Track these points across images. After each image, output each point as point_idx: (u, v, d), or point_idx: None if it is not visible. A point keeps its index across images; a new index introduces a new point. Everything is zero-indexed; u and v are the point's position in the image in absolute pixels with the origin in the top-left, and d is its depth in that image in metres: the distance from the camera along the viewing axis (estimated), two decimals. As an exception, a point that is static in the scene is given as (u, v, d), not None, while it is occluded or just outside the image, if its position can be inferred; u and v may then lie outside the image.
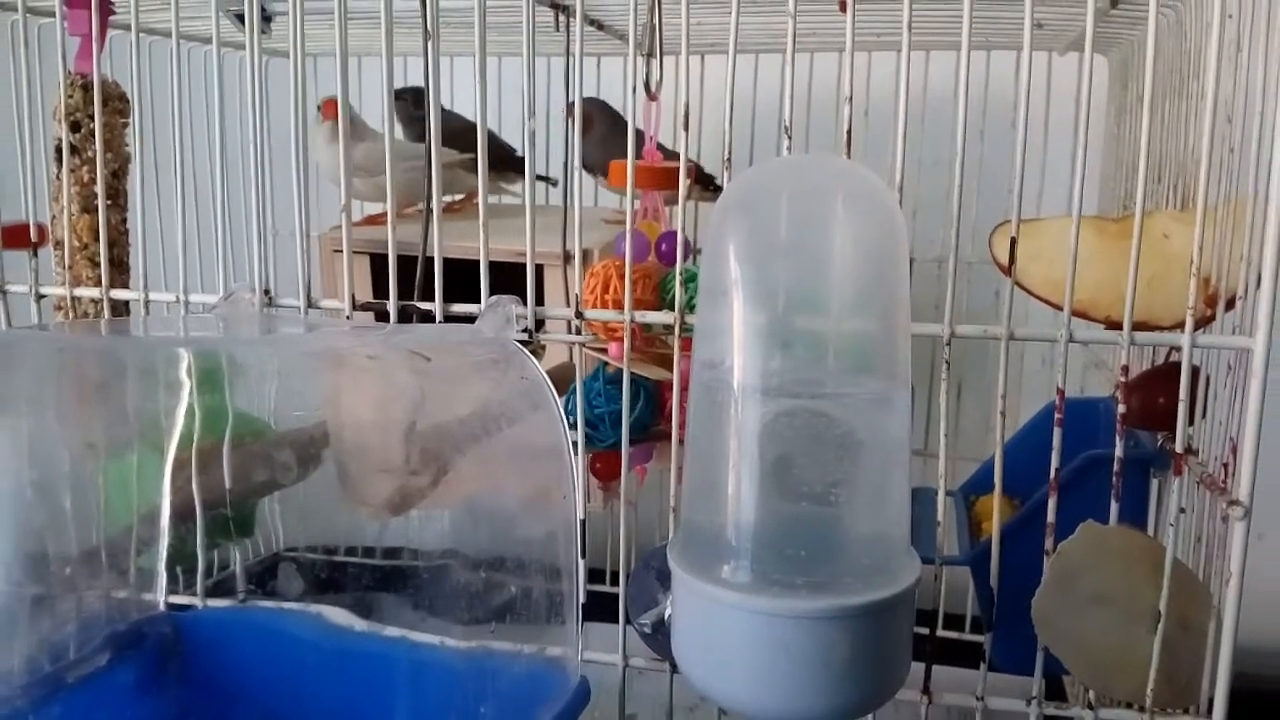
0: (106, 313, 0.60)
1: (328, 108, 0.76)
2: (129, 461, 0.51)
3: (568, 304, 0.56)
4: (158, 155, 0.60)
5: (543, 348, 0.55)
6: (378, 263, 0.74)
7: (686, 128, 0.52)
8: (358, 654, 0.52)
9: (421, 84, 0.80)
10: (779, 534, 0.41)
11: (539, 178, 0.56)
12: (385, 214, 0.79)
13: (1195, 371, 0.50)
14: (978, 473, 0.76)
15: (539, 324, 0.54)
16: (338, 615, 0.54)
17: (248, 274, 0.58)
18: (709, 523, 0.42)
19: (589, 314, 0.54)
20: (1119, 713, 0.51)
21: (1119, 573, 0.48)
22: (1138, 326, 0.48)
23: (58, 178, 0.63)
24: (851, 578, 0.41)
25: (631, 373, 0.54)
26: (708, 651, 0.42)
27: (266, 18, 0.69)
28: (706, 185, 0.83)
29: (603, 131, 0.78)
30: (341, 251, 0.76)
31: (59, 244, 0.62)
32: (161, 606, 0.54)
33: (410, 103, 0.80)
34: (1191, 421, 0.51)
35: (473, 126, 0.79)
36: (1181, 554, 0.51)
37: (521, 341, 0.52)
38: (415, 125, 0.81)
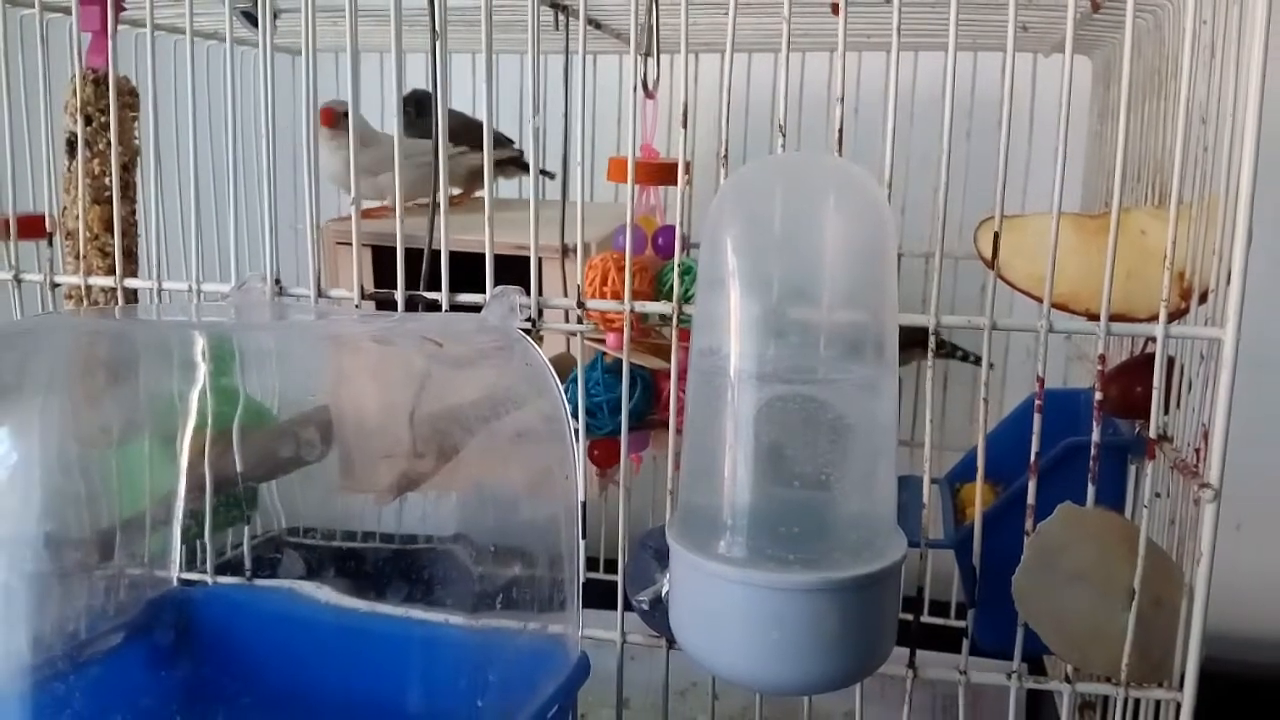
0: (120, 301, 0.62)
1: (325, 115, 0.77)
2: (145, 443, 0.53)
3: (566, 295, 0.58)
4: (162, 149, 0.61)
5: (541, 338, 0.56)
6: (380, 254, 0.76)
7: (685, 125, 0.54)
8: (366, 631, 0.54)
9: (421, 86, 0.82)
10: (772, 512, 0.43)
11: (540, 171, 0.58)
12: (384, 208, 0.81)
13: (1171, 362, 0.52)
14: (962, 461, 0.78)
15: (540, 314, 0.56)
16: (345, 595, 0.56)
17: (249, 265, 0.60)
18: (706, 502, 0.44)
19: (590, 304, 0.56)
20: (1096, 686, 0.53)
21: (1096, 553, 0.51)
22: (1116, 318, 0.50)
23: (68, 170, 0.64)
24: (841, 553, 0.43)
25: (629, 362, 0.56)
26: (704, 624, 0.44)
27: (273, 14, 0.71)
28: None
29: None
30: (343, 244, 0.78)
31: (70, 234, 0.64)
32: (175, 582, 0.55)
33: (413, 112, 0.82)
34: (1167, 410, 0.53)
35: (472, 123, 0.81)
36: (1156, 536, 0.53)
37: (524, 330, 0.54)
38: (415, 130, 0.82)
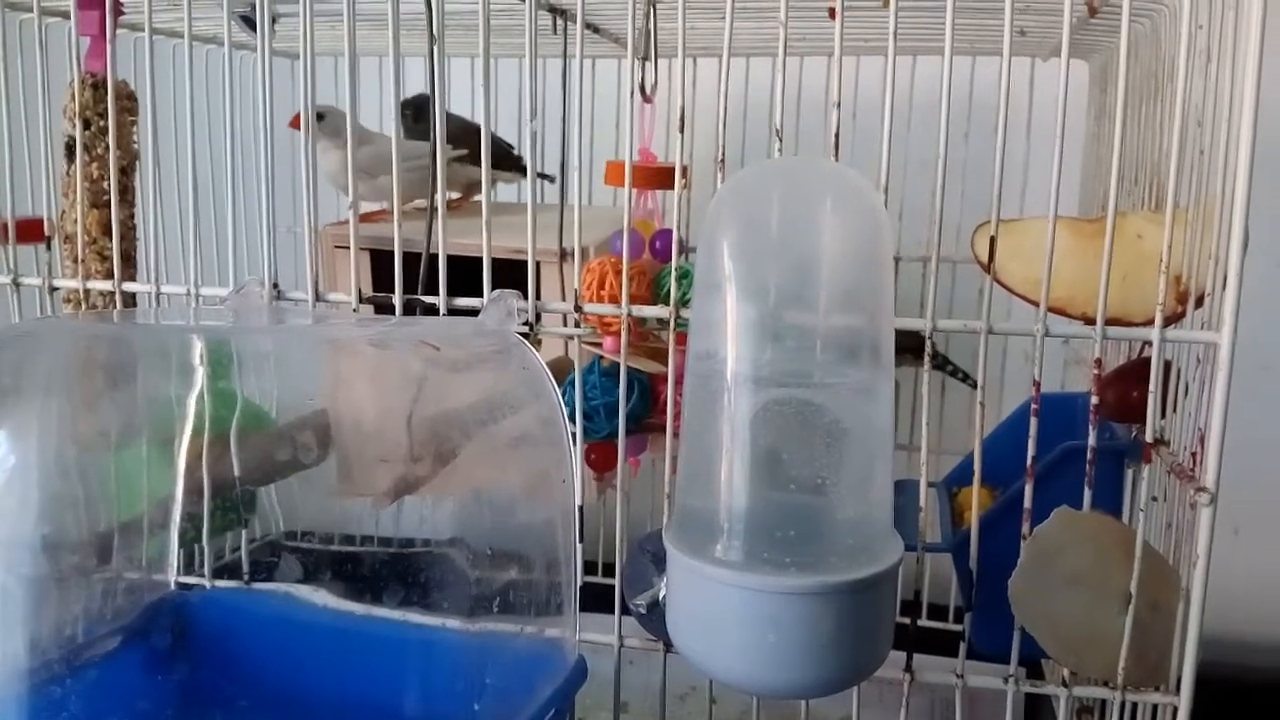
0: (118, 305, 0.62)
1: (295, 120, 0.76)
2: (143, 446, 0.53)
3: (563, 299, 0.58)
4: (161, 153, 0.61)
5: (539, 342, 0.57)
6: (377, 258, 0.76)
7: (682, 130, 0.54)
8: (363, 635, 0.54)
9: (419, 92, 0.82)
10: (769, 516, 0.43)
11: (539, 175, 0.58)
12: (382, 212, 0.81)
13: (1168, 366, 0.52)
14: (960, 466, 0.78)
15: (537, 317, 0.56)
16: (343, 598, 0.56)
17: (247, 269, 0.60)
18: (703, 506, 0.44)
19: (588, 308, 0.56)
20: (1093, 690, 0.53)
21: (1092, 556, 0.51)
22: (1113, 322, 0.50)
23: (67, 174, 0.64)
24: (837, 557, 0.43)
25: (627, 366, 0.56)
26: (701, 627, 0.44)
27: (272, 19, 0.71)
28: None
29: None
30: (341, 247, 0.78)
31: (68, 238, 0.64)
32: (172, 585, 0.56)
33: (411, 117, 0.82)
34: (1163, 414, 0.53)
35: (471, 127, 0.81)
36: (1153, 540, 0.54)
37: (521, 334, 0.54)
38: (414, 135, 0.83)
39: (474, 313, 0.55)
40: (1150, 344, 0.50)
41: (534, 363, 0.50)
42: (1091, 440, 0.50)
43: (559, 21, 0.72)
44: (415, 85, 0.81)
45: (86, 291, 0.63)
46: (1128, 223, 0.53)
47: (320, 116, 0.75)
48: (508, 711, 0.47)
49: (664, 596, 0.49)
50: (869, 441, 0.44)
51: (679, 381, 0.51)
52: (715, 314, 0.44)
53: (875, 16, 0.66)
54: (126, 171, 0.64)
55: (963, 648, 0.54)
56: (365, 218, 0.79)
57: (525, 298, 0.55)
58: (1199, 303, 0.51)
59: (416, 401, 0.52)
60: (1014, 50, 0.49)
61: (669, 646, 0.56)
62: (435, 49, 0.56)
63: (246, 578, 0.60)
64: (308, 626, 0.55)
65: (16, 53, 0.63)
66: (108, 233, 0.63)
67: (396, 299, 0.56)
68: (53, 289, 0.63)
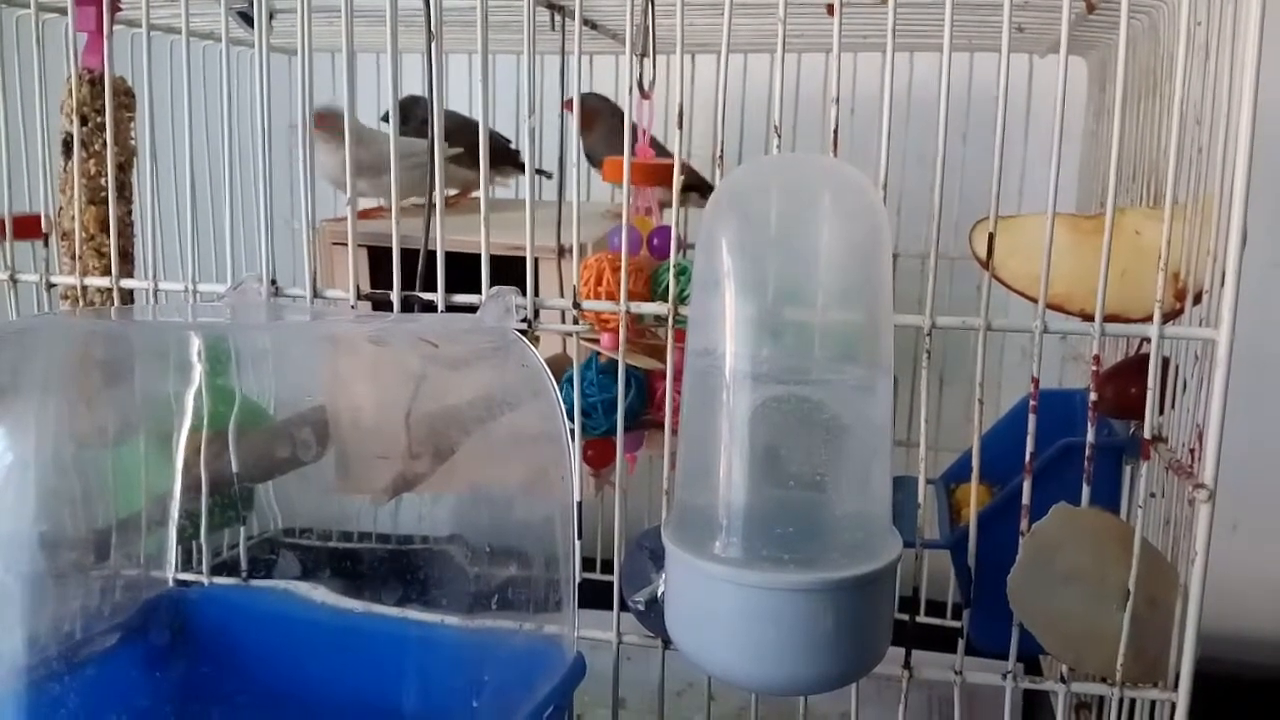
0: (116, 301, 0.62)
1: (320, 120, 0.76)
2: (141, 443, 0.53)
3: (561, 296, 0.58)
4: (158, 149, 0.61)
5: (537, 339, 0.57)
6: (376, 255, 0.76)
7: (681, 126, 0.54)
8: (361, 632, 0.54)
9: (415, 91, 0.82)
10: (768, 513, 0.43)
11: (537, 171, 0.58)
12: (380, 209, 0.81)
13: (1166, 362, 0.52)
14: (957, 462, 0.78)
15: (535, 314, 0.56)
16: (341, 595, 0.56)
17: (245, 265, 0.60)
18: (702, 502, 0.44)
19: (586, 304, 0.56)
20: (1091, 686, 0.53)
21: (1090, 552, 0.51)
22: (1111, 319, 0.50)
23: (64, 170, 0.64)
24: (836, 553, 0.43)
25: (624, 362, 0.56)
26: (700, 624, 0.44)
27: (269, 15, 0.71)
28: (702, 192, 0.85)
29: (605, 128, 0.80)
30: (339, 244, 0.78)
31: (65, 235, 0.64)
32: (171, 582, 0.56)
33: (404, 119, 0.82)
34: (1162, 410, 0.53)
35: (467, 123, 0.81)
36: (1151, 536, 0.54)
37: (520, 331, 0.54)
38: (406, 132, 0.82)
39: (472, 309, 0.55)
40: (1149, 340, 0.50)
41: (532, 360, 0.50)
42: (1090, 437, 0.50)
43: (557, 18, 0.72)
44: (413, 82, 0.81)
45: (84, 288, 0.63)
46: (1126, 219, 0.53)
47: (339, 115, 0.75)
48: (506, 708, 0.47)
49: (662, 593, 0.49)
50: (867, 438, 0.44)
51: (678, 378, 0.51)
52: (714, 310, 0.44)
53: (873, 12, 0.66)
54: (124, 168, 0.64)
55: (961, 644, 0.54)
56: (363, 214, 0.79)
57: (523, 294, 0.55)
58: (1197, 299, 0.51)
59: (415, 398, 0.52)
60: (1012, 47, 0.49)
61: (667, 643, 0.56)
62: (433, 45, 0.56)
63: (245, 574, 0.60)
64: (306, 623, 0.55)
65: (14, 49, 0.63)
66: (105, 229, 0.63)
67: (395, 295, 0.56)
68: (50, 286, 0.63)
